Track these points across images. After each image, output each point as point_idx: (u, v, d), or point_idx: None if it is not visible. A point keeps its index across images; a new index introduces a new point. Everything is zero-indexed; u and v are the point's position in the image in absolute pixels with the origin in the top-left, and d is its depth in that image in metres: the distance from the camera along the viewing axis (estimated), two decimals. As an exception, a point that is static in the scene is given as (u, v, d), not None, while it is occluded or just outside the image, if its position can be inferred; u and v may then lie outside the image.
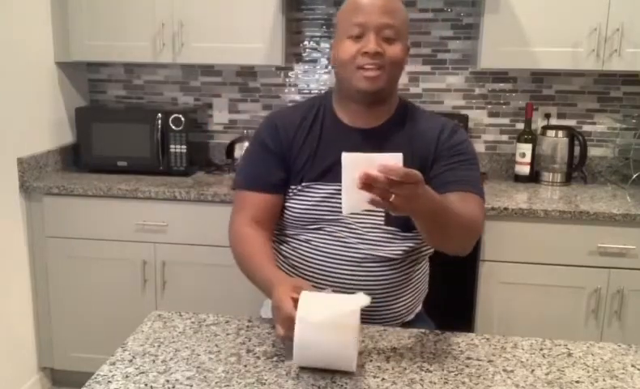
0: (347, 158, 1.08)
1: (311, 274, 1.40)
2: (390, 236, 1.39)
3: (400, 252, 1.40)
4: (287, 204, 1.43)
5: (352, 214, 1.38)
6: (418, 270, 1.47)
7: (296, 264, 1.43)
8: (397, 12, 1.36)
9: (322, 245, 1.40)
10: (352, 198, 1.08)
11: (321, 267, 1.39)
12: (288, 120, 1.47)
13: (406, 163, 1.35)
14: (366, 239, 1.38)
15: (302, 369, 1.09)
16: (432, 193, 1.16)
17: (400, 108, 1.47)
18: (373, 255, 1.38)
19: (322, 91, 1.46)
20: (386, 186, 1.04)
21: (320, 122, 1.45)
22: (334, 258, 1.39)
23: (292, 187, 1.43)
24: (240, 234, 1.43)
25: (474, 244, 1.39)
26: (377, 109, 1.42)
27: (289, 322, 1.07)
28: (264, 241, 1.40)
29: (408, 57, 1.45)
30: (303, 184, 1.41)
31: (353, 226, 1.39)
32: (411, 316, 1.50)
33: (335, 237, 1.39)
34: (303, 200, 1.41)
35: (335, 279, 1.38)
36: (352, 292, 1.34)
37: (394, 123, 1.44)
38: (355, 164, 1.07)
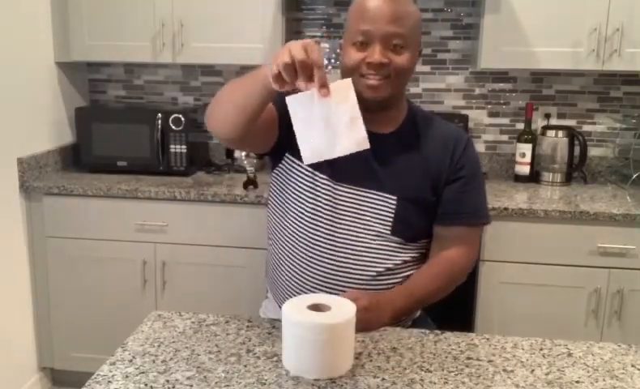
0: (291, 100, 1.06)
1: (310, 275, 1.40)
2: (394, 245, 1.39)
3: (400, 262, 1.40)
4: (295, 195, 1.41)
5: (359, 220, 1.37)
6: (416, 269, 1.47)
7: (297, 268, 1.43)
8: (406, 18, 1.30)
9: (325, 248, 1.38)
10: (311, 143, 1.06)
11: (321, 271, 1.38)
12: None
13: (419, 174, 1.39)
14: (370, 247, 1.37)
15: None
16: (390, 300, 1.29)
17: (410, 113, 1.45)
18: (375, 264, 1.37)
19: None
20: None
21: None
22: (336, 262, 1.37)
23: (305, 171, 1.39)
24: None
25: (463, 279, 1.46)
26: (384, 114, 1.40)
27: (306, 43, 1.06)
28: None
29: (420, 58, 1.43)
30: (321, 177, 1.37)
31: (359, 232, 1.37)
32: (410, 321, 1.49)
33: (339, 242, 1.37)
34: (315, 196, 1.38)
35: (333, 281, 1.38)
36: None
37: (406, 130, 1.42)
38: (301, 105, 1.05)
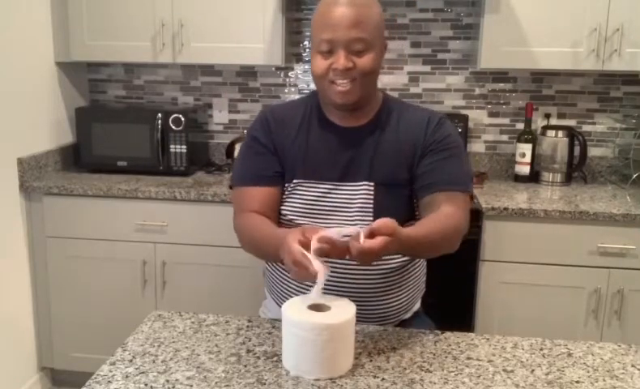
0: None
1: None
2: None
3: None
4: (280, 206, 1.43)
5: (341, 213, 1.40)
6: (413, 265, 1.47)
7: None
8: (367, 21, 1.33)
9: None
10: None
11: None
12: (279, 115, 1.49)
13: (394, 158, 1.41)
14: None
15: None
16: (404, 234, 1.18)
17: (385, 102, 1.48)
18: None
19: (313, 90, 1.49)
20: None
21: (308, 121, 1.46)
22: (331, 264, 1.38)
23: (285, 185, 1.44)
24: (245, 225, 1.42)
25: (459, 244, 1.41)
26: (359, 111, 1.44)
27: (299, 263, 1.10)
28: (269, 222, 1.39)
29: (387, 51, 1.46)
30: (294, 182, 1.42)
31: (344, 223, 1.38)
32: (409, 314, 1.50)
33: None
34: (296, 200, 1.42)
35: (328, 277, 1.37)
36: (347, 289, 1.36)
37: (381, 119, 1.45)
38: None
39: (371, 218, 1.38)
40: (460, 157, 1.45)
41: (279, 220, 1.44)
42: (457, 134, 1.49)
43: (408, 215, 1.43)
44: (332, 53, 1.34)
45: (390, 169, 1.41)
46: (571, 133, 2.63)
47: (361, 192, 1.39)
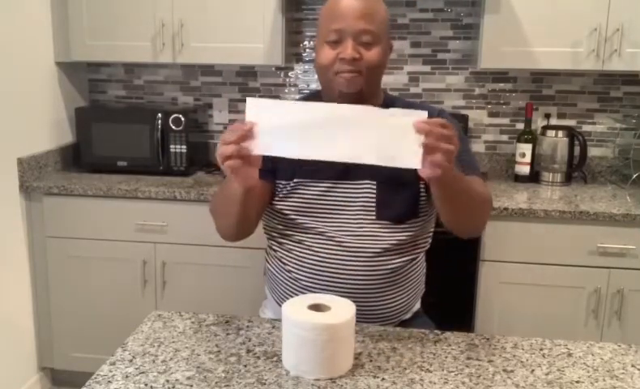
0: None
1: (305, 274, 1.40)
2: (382, 229, 1.39)
3: (394, 242, 1.40)
4: (279, 205, 1.43)
5: (343, 212, 1.39)
6: (413, 265, 1.47)
7: (291, 268, 1.43)
8: (375, 15, 1.35)
9: (315, 245, 1.40)
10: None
11: (314, 268, 1.39)
12: None
13: None
14: (359, 235, 1.38)
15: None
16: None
17: (386, 101, 1.48)
18: (366, 250, 1.38)
19: (314, 89, 1.47)
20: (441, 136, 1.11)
21: None
22: (328, 256, 1.38)
23: (284, 183, 1.42)
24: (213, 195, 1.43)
25: (487, 219, 1.42)
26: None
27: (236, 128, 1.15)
28: None
29: (392, 52, 1.46)
30: (295, 181, 1.41)
31: (345, 222, 1.39)
32: (409, 314, 1.50)
33: (328, 236, 1.39)
34: (296, 198, 1.41)
35: (329, 278, 1.38)
36: (348, 290, 1.36)
37: None
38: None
39: (373, 216, 1.39)
40: (466, 144, 1.46)
41: (279, 218, 1.44)
42: (457, 124, 1.49)
43: (411, 214, 1.43)
44: (340, 42, 1.35)
45: (393, 167, 1.41)
46: (571, 133, 2.63)
47: (363, 190, 1.39)
